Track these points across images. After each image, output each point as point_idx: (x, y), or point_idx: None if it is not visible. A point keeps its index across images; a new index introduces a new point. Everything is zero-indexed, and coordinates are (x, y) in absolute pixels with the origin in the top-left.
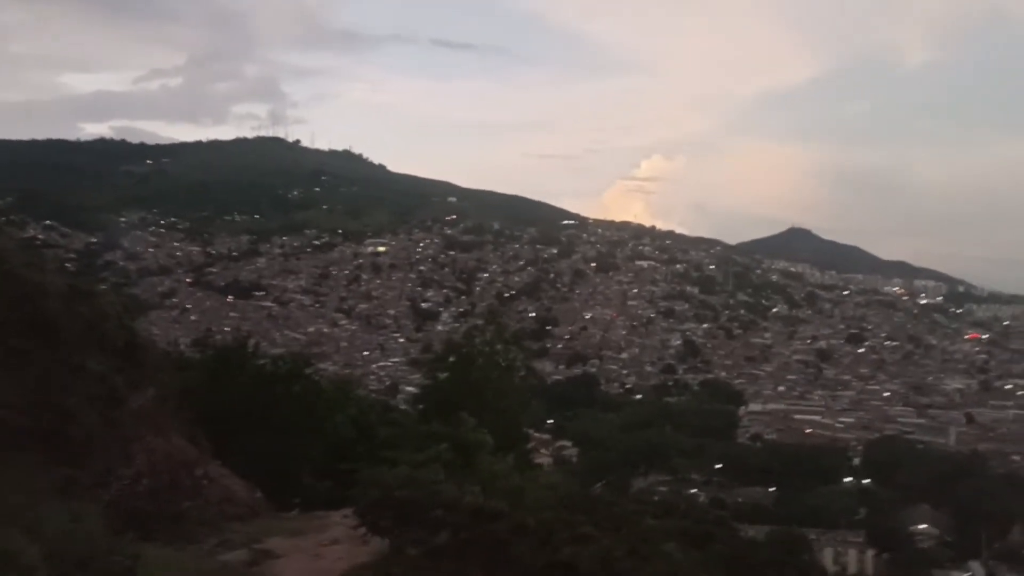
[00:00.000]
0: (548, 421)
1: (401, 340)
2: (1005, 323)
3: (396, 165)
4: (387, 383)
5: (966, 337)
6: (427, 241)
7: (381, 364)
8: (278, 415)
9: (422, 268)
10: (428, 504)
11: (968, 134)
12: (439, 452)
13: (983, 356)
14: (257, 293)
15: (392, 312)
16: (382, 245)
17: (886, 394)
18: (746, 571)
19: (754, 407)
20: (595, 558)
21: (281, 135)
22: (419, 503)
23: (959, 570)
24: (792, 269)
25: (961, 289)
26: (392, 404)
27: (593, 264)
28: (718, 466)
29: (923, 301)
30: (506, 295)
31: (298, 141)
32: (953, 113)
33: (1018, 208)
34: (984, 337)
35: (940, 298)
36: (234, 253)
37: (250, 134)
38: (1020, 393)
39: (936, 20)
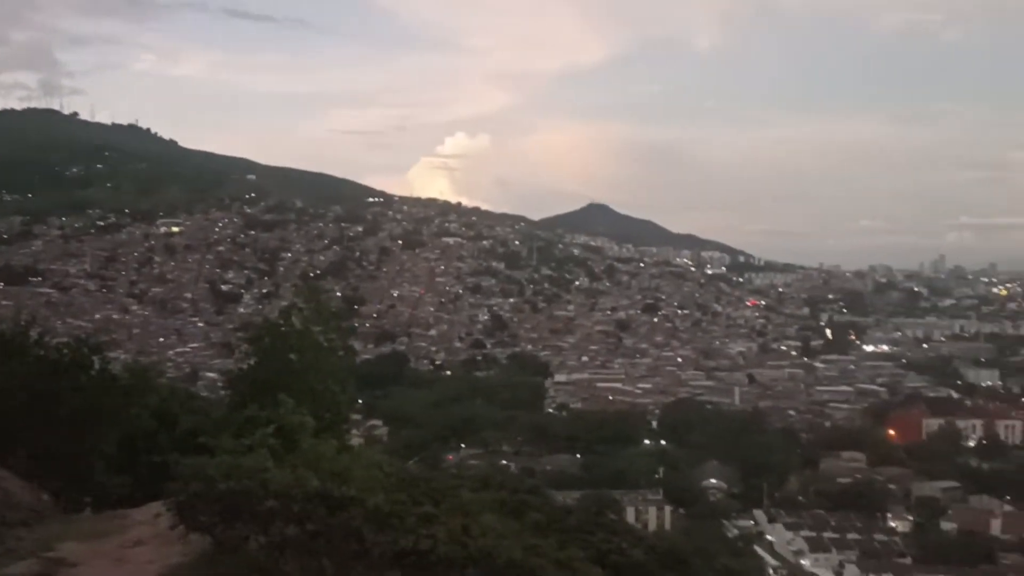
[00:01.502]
0: (358, 401)
1: (200, 324)
2: (780, 290)
3: (189, 141)
4: (187, 370)
5: (747, 304)
6: (225, 220)
7: (179, 350)
8: (64, 408)
9: (220, 249)
10: (259, 494)
11: (748, 115)
12: (264, 437)
13: (761, 321)
14: (33, 279)
15: (189, 295)
16: (176, 225)
17: (679, 360)
18: (561, 536)
19: (560, 378)
20: (452, 539)
21: (56, 107)
22: (248, 494)
23: (744, 519)
24: (592, 243)
25: (742, 259)
26: (193, 392)
27: (400, 242)
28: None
29: (710, 271)
30: (311, 275)
31: (76, 114)
32: (736, 95)
33: (789, 185)
34: (762, 303)
35: (724, 268)
36: (4, 235)
37: (19, 105)
38: (793, 353)
39: (723, 6)
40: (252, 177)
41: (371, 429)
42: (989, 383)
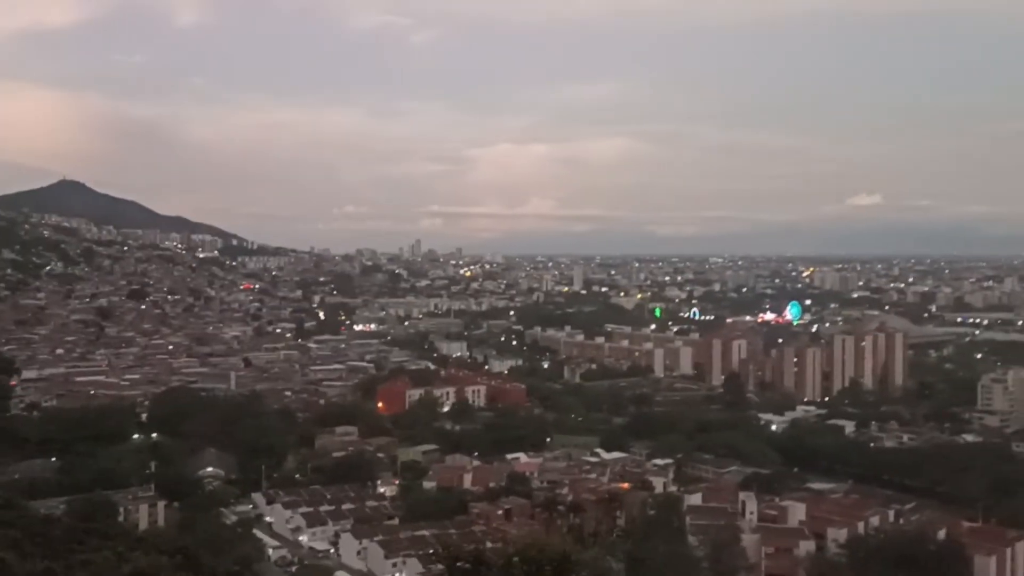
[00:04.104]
0: None
1: None
2: (273, 273)
3: None
4: None
5: (241, 287)
6: None
7: None
8: None
9: None
10: None
11: (235, 97)
12: None
13: (256, 304)
14: None
15: None
16: None
17: (170, 347)
18: (46, 548)
19: (29, 374)
20: None
21: None
22: None
23: (244, 504)
24: (66, 224)
25: (235, 243)
26: None
27: None
28: None
29: (201, 255)
30: None
31: None
32: (222, 75)
33: (279, 169)
34: (256, 287)
35: (216, 252)
36: None
37: None
38: (288, 335)
39: None
40: None
41: None
42: (459, 354)
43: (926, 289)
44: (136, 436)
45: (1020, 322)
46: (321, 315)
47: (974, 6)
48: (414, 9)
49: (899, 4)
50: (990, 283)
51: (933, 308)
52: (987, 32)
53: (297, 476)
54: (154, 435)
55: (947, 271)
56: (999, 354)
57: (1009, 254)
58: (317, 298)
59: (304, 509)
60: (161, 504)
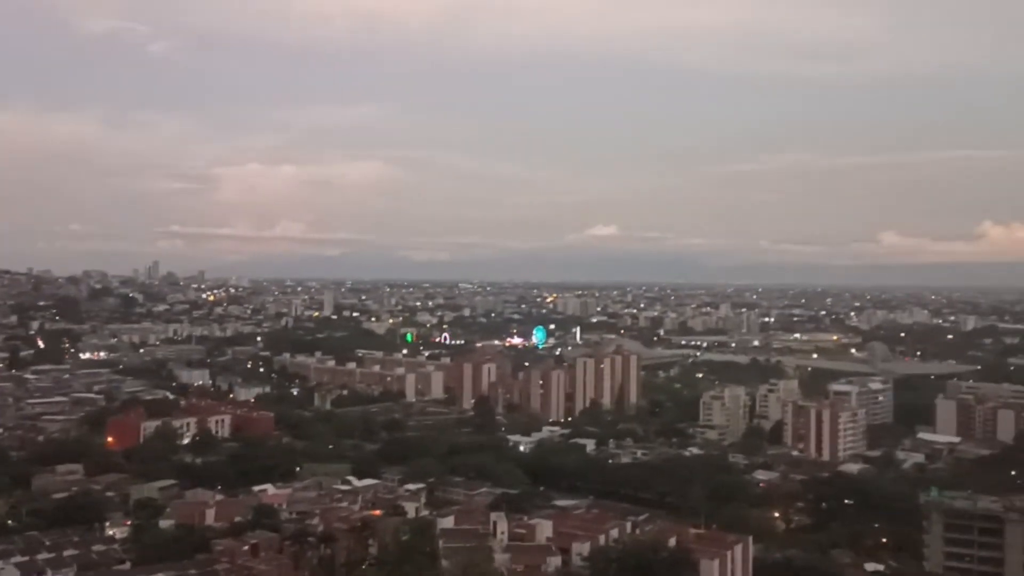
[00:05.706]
0: None
1: None
2: None
3: None
4: None
5: None
6: None
7: None
8: None
9: None
10: None
11: None
12: None
13: None
14: None
15: None
16: None
17: None
18: None
19: None
20: None
21: None
22: None
23: None
24: None
25: None
26: None
27: None
28: None
29: None
30: None
31: None
32: None
33: None
34: None
35: None
36: None
37: None
38: (0, 366)
39: None
40: None
41: None
42: (201, 382)
43: (655, 314)
44: None
45: (733, 344)
46: (40, 343)
47: (696, 61)
48: (153, 17)
49: (635, 59)
50: (708, 309)
51: (661, 332)
52: (708, 86)
53: (9, 522)
54: None
55: (673, 297)
56: (716, 373)
57: (723, 283)
58: (36, 324)
59: (17, 559)
60: None
